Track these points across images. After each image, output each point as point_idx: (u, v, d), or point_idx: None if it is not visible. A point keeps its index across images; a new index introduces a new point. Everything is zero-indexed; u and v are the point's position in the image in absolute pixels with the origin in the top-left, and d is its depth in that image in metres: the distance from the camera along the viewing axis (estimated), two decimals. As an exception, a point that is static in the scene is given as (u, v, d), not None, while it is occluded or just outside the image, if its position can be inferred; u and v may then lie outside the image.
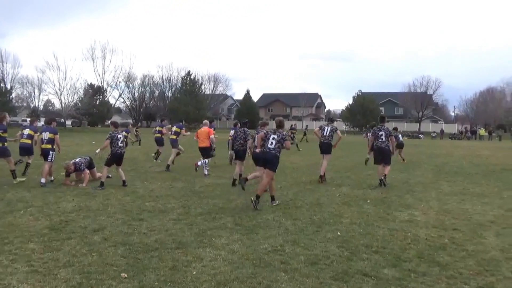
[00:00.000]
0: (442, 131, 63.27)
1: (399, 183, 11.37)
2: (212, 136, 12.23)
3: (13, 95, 65.10)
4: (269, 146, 7.95)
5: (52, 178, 10.37)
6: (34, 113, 68.23)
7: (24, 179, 10.52)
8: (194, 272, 4.48)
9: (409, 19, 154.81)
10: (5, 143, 10.10)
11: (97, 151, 10.21)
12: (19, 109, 69.53)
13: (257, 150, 8.43)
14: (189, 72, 71.54)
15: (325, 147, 11.53)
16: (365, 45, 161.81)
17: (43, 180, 9.80)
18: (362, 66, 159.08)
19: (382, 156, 10.73)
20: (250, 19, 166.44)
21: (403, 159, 17.89)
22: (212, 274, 4.44)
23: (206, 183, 10.67)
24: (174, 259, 4.88)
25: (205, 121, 13.11)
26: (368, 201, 8.68)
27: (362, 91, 75.27)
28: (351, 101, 72.81)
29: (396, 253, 5.29)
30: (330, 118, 14.23)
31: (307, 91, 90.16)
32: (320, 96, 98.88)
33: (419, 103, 73.17)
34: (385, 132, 10.72)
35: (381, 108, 74.51)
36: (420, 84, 75.90)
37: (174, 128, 14.82)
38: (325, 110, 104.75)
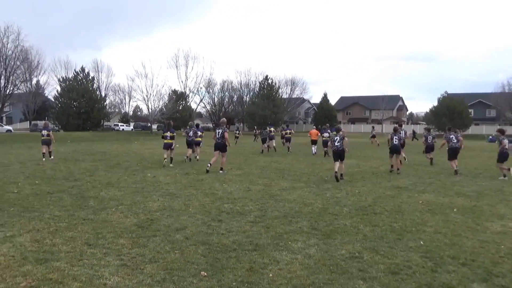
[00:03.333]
0: (542, 135, 57.08)
1: (491, 192, 10.47)
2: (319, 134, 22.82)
3: (107, 101, 71.19)
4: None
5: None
6: (125, 118, 73.56)
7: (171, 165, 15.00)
8: (271, 275, 4.53)
9: (496, 12, 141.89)
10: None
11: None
12: (112, 115, 75.37)
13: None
14: (266, 76, 72.49)
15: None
16: (448, 43, 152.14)
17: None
18: (446, 65, 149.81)
19: (454, 153, 14.75)
20: (323, 22, 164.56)
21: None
22: (288, 278, 4.45)
23: (283, 187, 10.72)
24: (251, 261, 4.96)
25: (314, 126, 25.58)
26: (455, 210, 8.11)
27: (448, 92, 70.73)
28: (435, 103, 68.68)
29: (487, 267, 4.89)
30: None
31: (387, 93, 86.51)
32: (401, 98, 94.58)
33: (515, 104, 66.76)
34: (455, 136, 15.17)
35: (470, 110, 69.32)
36: (517, 83, 69.26)
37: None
38: (407, 113, 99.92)
